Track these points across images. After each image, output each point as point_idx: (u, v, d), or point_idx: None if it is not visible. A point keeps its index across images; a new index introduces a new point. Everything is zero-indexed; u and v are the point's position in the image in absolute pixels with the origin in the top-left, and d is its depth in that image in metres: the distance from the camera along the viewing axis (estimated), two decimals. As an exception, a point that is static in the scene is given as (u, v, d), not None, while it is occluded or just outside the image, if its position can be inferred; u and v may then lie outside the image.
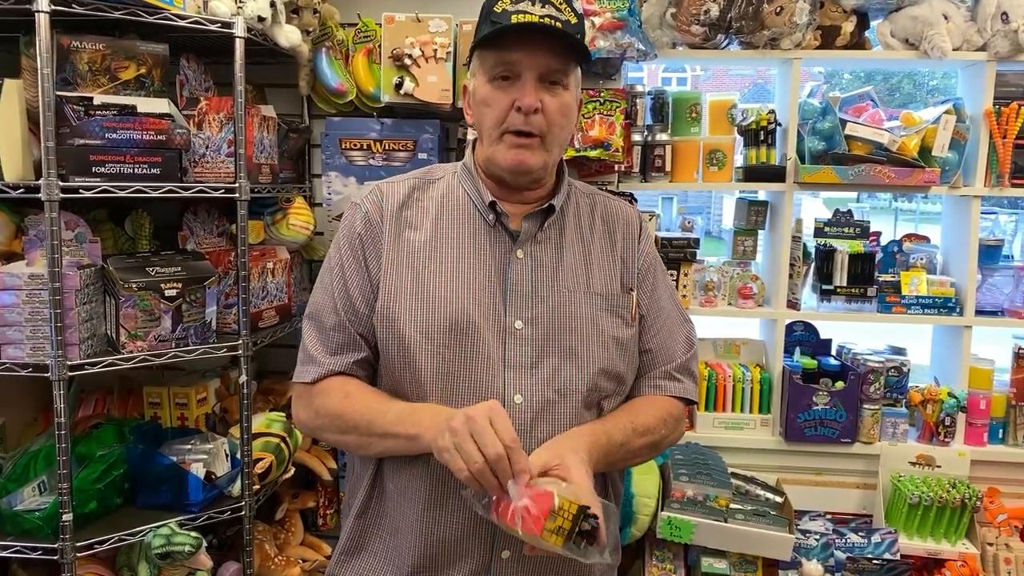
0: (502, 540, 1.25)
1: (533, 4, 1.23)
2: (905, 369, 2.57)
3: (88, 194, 1.83)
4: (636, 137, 2.53)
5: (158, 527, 1.93)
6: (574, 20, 1.26)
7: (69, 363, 1.83)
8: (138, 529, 1.94)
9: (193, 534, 1.93)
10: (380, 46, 2.37)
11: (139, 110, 1.92)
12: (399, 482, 1.30)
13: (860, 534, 2.39)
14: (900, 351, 2.68)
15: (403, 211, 1.34)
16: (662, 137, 2.57)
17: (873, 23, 2.53)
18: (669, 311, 1.42)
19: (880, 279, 2.58)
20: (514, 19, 1.22)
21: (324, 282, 1.36)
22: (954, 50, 2.41)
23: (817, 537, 2.38)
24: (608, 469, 1.32)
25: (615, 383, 1.33)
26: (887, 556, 2.34)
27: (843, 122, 2.48)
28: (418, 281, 1.29)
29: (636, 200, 2.46)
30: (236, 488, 2.11)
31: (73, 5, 1.76)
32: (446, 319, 1.26)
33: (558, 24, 1.23)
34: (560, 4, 1.25)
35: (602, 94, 2.37)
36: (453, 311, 1.26)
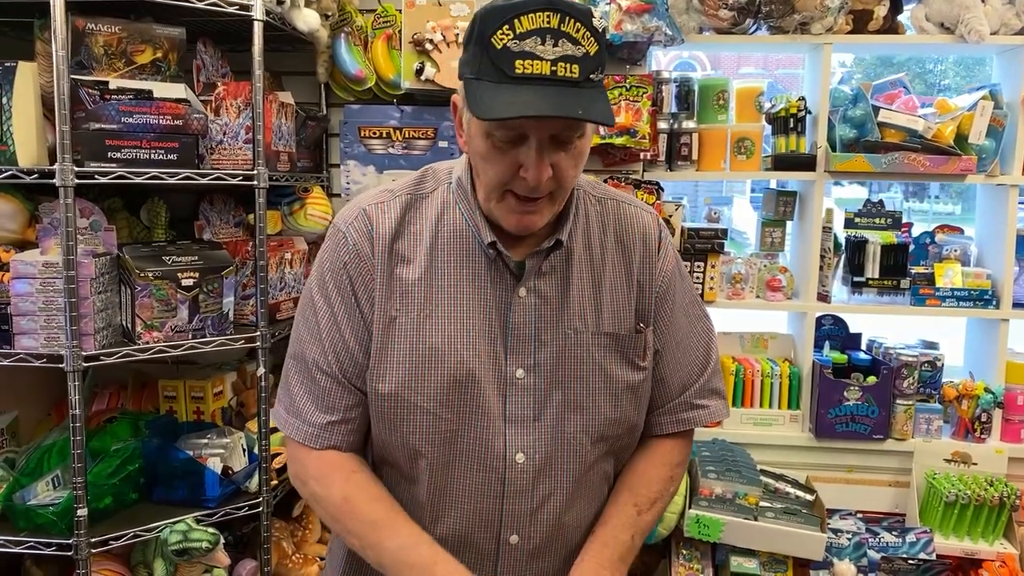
0: (509, 526, 1.17)
1: (544, 42, 0.97)
2: (939, 364, 2.50)
3: (103, 180, 1.78)
4: (662, 125, 2.47)
5: (174, 523, 1.88)
6: (595, 49, 1.00)
7: (84, 354, 1.78)
8: (154, 525, 1.89)
9: (211, 530, 1.88)
10: (400, 31, 2.32)
11: (155, 95, 1.87)
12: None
13: (894, 533, 2.32)
14: (932, 345, 2.61)
15: (395, 243, 1.15)
16: (688, 125, 2.50)
17: (907, 7, 2.46)
18: (687, 331, 1.27)
19: (913, 271, 2.51)
20: (519, 68, 0.97)
21: (309, 323, 1.18)
22: (991, 34, 2.34)
23: (849, 536, 2.31)
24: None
25: (625, 433, 1.22)
26: (922, 556, 2.27)
27: (875, 109, 2.41)
28: (412, 331, 1.13)
29: (663, 189, 2.40)
30: (253, 484, 2.06)
31: (89, -15, 1.71)
32: (444, 375, 1.12)
33: (574, 71, 0.98)
34: (578, 31, 0.98)
35: (628, 80, 2.31)
36: (452, 365, 1.12)
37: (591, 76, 1.00)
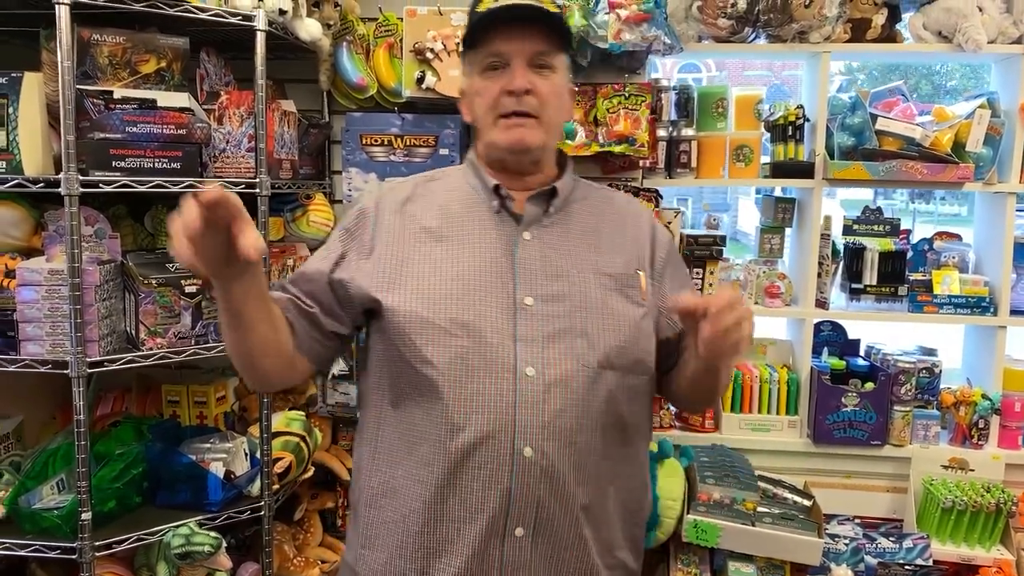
0: (523, 437, 1.24)
1: None
2: (937, 370, 2.51)
3: (108, 188, 1.81)
4: (661, 132, 2.48)
5: (177, 527, 1.90)
6: (555, 10, 1.30)
7: (89, 360, 1.81)
8: (157, 529, 1.92)
9: (213, 534, 1.91)
10: (401, 40, 2.34)
11: (159, 104, 1.90)
12: (408, 467, 1.29)
13: (891, 539, 2.33)
14: (931, 352, 2.62)
15: (407, 204, 1.38)
16: (687, 132, 2.51)
17: (905, 16, 2.47)
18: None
19: (911, 278, 2.52)
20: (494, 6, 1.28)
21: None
22: (989, 43, 2.35)
23: (847, 542, 2.32)
24: (710, 369, 1.31)
25: (632, 366, 1.32)
26: (919, 562, 2.28)
27: (873, 117, 2.42)
28: (423, 263, 1.31)
29: (662, 196, 2.42)
30: (255, 488, 2.08)
31: (94, -3, 1.74)
32: (453, 298, 1.27)
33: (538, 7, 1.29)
34: None
35: (627, 88, 2.32)
36: (460, 290, 1.28)
37: (557, 18, 1.29)
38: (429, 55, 2.27)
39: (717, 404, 1.49)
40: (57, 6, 1.70)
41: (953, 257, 2.59)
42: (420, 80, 2.29)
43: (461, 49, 1.38)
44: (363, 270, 1.33)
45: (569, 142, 2.35)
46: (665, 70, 2.81)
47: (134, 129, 1.85)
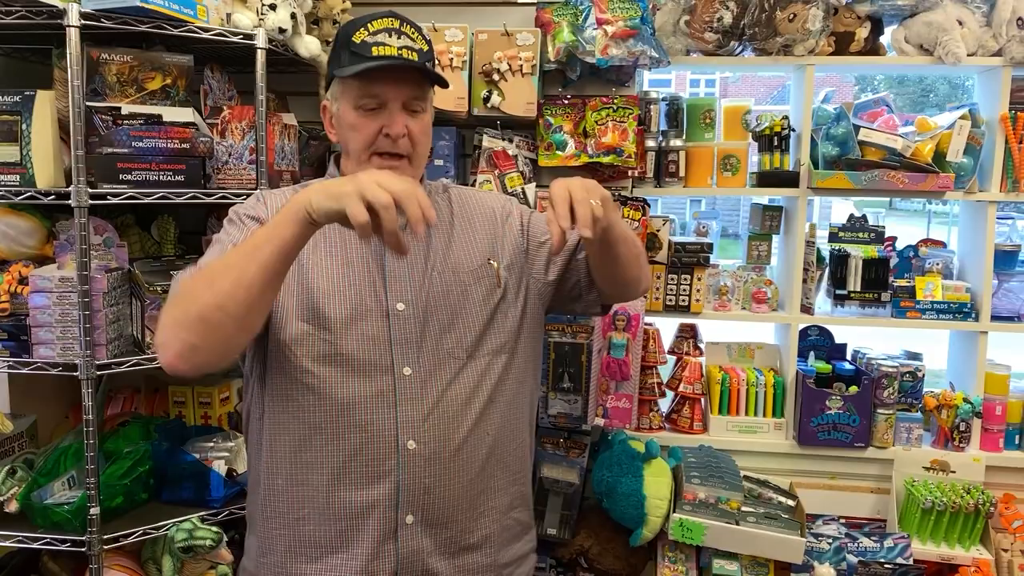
0: (405, 432, 1.35)
1: (390, 35, 1.36)
2: (920, 374, 2.57)
3: (115, 200, 1.90)
4: (650, 143, 2.56)
5: (180, 522, 1.99)
6: (426, 48, 1.41)
7: (97, 363, 1.90)
8: (162, 523, 2.00)
9: (214, 529, 1.99)
10: (468, 61, 2.41)
11: (164, 119, 1.99)
12: (293, 472, 1.38)
13: (873, 538, 2.40)
14: (915, 356, 2.68)
15: None
16: (676, 143, 2.59)
17: (887, 29, 2.54)
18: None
19: (895, 284, 2.58)
20: (375, 51, 1.35)
21: (212, 248, 1.41)
22: (969, 55, 2.41)
23: (830, 541, 2.39)
24: (611, 238, 1.36)
25: (498, 348, 1.44)
26: (900, 561, 2.34)
27: (857, 128, 2.49)
28: (301, 279, 1.38)
29: (649, 205, 2.49)
30: (256, 485, 2.17)
31: (102, 20, 1.83)
32: (331, 310, 1.36)
33: (414, 55, 1.37)
34: (412, 34, 1.39)
35: (615, 101, 2.40)
36: (338, 302, 1.36)
37: (427, 63, 1.40)
38: (496, 76, 2.37)
39: (642, 274, 1.50)
40: (67, 28, 1.80)
41: (937, 264, 2.65)
42: (486, 99, 2.39)
43: (331, 71, 1.43)
44: None
45: (559, 153, 2.43)
46: (677, 74, 2.88)
47: (140, 144, 1.94)
